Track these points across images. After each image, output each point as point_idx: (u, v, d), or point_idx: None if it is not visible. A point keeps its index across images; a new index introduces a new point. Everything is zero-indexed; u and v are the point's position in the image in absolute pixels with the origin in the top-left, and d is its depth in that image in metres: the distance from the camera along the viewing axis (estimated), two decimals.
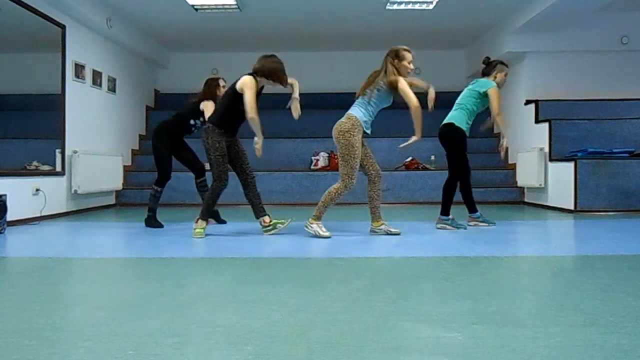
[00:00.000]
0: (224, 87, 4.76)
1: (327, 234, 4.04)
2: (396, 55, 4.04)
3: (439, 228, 4.53)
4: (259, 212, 4.27)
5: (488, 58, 4.76)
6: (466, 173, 4.56)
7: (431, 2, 6.54)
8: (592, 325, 1.85)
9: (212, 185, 4.16)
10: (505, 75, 4.67)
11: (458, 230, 4.43)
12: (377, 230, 4.19)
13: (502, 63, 4.69)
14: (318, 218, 4.10)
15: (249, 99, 3.94)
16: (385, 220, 4.24)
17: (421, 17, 7.14)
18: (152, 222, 4.74)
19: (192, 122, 4.77)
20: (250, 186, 4.27)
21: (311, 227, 4.08)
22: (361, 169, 4.15)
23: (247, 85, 3.97)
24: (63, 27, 5.83)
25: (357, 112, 4.03)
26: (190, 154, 4.92)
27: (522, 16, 6.72)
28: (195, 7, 6.67)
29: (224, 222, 5.00)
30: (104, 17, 6.50)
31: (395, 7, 6.71)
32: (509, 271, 3.00)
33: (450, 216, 4.54)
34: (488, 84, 4.51)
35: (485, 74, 4.67)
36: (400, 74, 4.02)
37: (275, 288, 2.46)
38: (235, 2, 6.47)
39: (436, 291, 2.42)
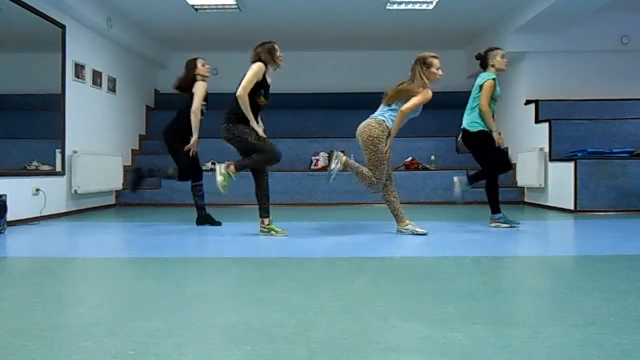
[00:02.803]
0: (203, 65, 4.79)
1: (423, 230, 4.10)
2: (424, 63, 4.05)
3: (492, 227, 4.53)
4: (262, 212, 4.26)
5: (479, 54, 4.70)
6: (494, 170, 4.53)
7: (431, 2, 6.54)
8: (592, 325, 1.85)
9: (263, 155, 4.09)
10: (502, 56, 4.60)
11: (513, 228, 4.45)
12: (404, 230, 4.19)
13: (492, 49, 4.63)
14: (403, 219, 4.17)
15: (247, 78, 3.99)
16: (411, 219, 4.23)
17: (421, 17, 7.14)
18: (206, 219, 4.83)
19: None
20: (263, 182, 4.28)
21: (406, 229, 4.14)
22: None
23: (251, 68, 4.04)
24: (63, 27, 5.83)
25: (389, 121, 4.06)
26: (195, 154, 4.84)
27: (522, 16, 6.72)
28: (195, 7, 6.67)
29: (219, 223, 4.90)
30: (104, 17, 6.50)
31: (395, 7, 6.71)
32: (509, 271, 3.00)
33: (501, 213, 4.53)
34: (484, 77, 4.50)
35: (484, 67, 4.63)
36: (429, 80, 4.05)
37: (275, 288, 2.46)
38: (235, 2, 6.47)
39: (436, 291, 2.41)
